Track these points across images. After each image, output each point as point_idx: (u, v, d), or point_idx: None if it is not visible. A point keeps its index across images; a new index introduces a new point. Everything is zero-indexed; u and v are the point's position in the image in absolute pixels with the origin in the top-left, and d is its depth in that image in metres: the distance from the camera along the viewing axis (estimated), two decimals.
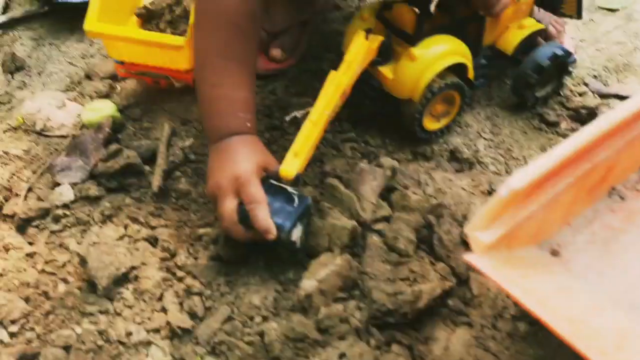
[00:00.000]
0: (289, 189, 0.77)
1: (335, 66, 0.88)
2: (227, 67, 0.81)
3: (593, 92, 1.12)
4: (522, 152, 1.02)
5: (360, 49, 0.89)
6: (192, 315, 0.75)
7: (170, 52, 0.96)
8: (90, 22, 0.95)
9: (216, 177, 0.79)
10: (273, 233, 0.73)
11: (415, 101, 0.92)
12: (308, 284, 0.71)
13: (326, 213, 0.80)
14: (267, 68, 1.13)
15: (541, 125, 1.06)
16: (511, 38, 1.03)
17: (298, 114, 0.98)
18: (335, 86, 0.85)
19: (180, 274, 0.80)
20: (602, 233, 0.66)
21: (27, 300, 0.75)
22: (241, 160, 0.78)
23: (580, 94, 1.12)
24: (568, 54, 1.04)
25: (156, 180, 0.92)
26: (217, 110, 0.82)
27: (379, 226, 0.83)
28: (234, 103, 0.82)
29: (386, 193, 0.88)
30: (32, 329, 0.72)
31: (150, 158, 0.97)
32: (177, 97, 1.09)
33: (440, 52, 0.92)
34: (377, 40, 0.90)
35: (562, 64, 1.05)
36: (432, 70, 0.91)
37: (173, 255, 0.83)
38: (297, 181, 0.78)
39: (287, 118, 1.00)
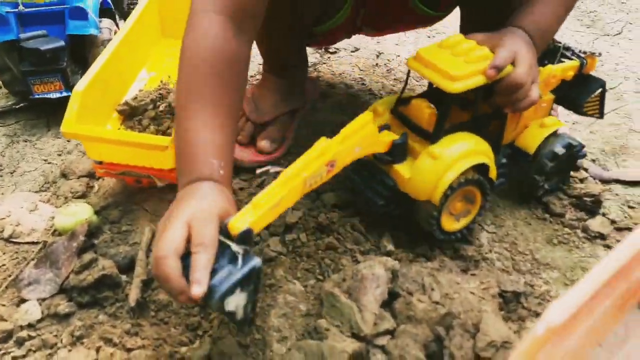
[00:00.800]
0: (234, 246, 0.61)
1: None
2: (202, 111, 0.72)
3: (594, 178, 1.08)
4: (528, 245, 0.95)
5: (362, 126, 0.80)
6: None
7: (154, 152, 0.90)
8: (68, 124, 0.90)
9: (173, 208, 0.65)
10: (199, 292, 0.56)
11: (434, 202, 0.85)
12: None
13: (322, 334, 0.72)
14: (254, 160, 1.07)
15: (545, 216, 1.01)
16: (533, 136, 0.97)
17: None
18: (320, 152, 0.75)
19: None
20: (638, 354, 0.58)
21: None
22: (206, 199, 0.65)
23: (582, 180, 1.08)
24: (581, 146, 1.00)
25: (134, 294, 0.83)
26: (188, 154, 0.71)
27: (382, 341, 0.74)
28: (207, 148, 0.70)
29: (389, 299, 0.80)
30: None
31: (128, 266, 0.88)
32: (159, 195, 1.02)
33: (463, 151, 0.85)
34: (390, 136, 0.85)
35: (574, 155, 1.01)
36: (454, 170, 0.84)
37: None
38: (247, 238, 0.62)
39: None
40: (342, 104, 1.28)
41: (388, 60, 1.48)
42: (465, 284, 0.82)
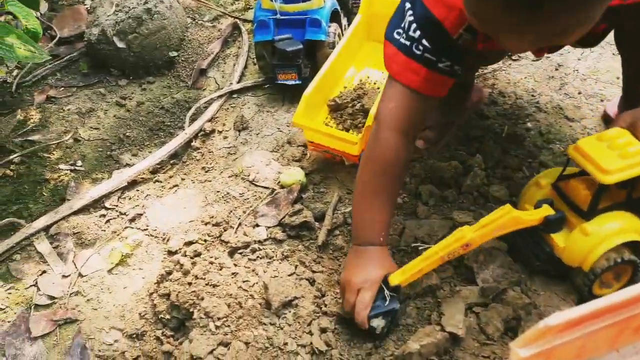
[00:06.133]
0: (387, 292, 1.04)
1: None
2: (375, 200, 1.10)
3: None
4: None
5: (500, 216, 0.99)
6: (327, 343, 1.08)
7: (347, 144, 1.31)
8: (297, 118, 1.34)
9: (350, 275, 1.08)
10: (364, 326, 1.04)
11: (585, 270, 1.00)
12: (412, 345, 0.98)
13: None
14: None
15: None
16: None
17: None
18: (456, 239, 1.00)
19: (324, 310, 1.13)
20: None
21: (228, 306, 1.15)
22: (371, 270, 1.06)
23: None
24: None
25: (321, 237, 1.27)
26: (362, 225, 1.12)
27: (478, 309, 1.07)
28: (375, 223, 1.10)
29: None
30: (228, 326, 1.11)
31: (320, 218, 1.32)
32: (348, 169, 1.43)
33: (614, 229, 0.98)
34: (545, 211, 1.02)
35: None
36: (603, 247, 0.98)
37: (323, 295, 1.17)
38: (397, 289, 1.05)
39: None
40: (507, 113, 1.51)
41: (565, 74, 1.63)
42: (553, 285, 1.08)
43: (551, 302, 1.06)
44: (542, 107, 1.53)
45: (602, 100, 1.52)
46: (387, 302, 1.03)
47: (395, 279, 1.04)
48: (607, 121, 1.44)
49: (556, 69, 1.65)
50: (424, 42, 1.00)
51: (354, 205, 1.16)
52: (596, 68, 1.63)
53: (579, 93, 1.56)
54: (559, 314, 0.74)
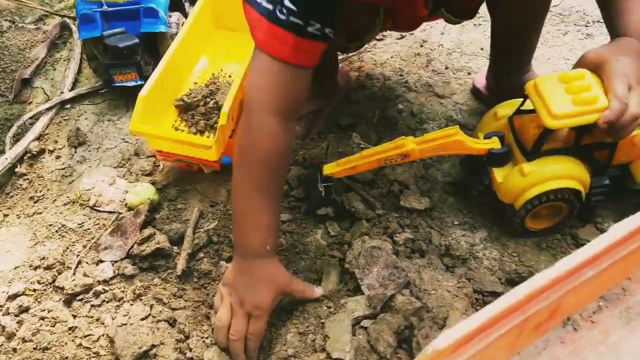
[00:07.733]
0: (320, 185, 1.06)
1: None
2: (256, 198, 0.91)
3: None
4: (518, 247, 1.07)
5: (444, 136, 0.98)
6: None
7: (202, 149, 1.10)
8: (134, 124, 1.11)
9: (238, 295, 0.91)
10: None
11: (517, 209, 0.99)
12: None
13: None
14: None
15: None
16: None
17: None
18: (396, 146, 0.99)
19: (189, 355, 0.93)
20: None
21: None
22: (261, 292, 0.91)
23: None
24: None
25: (180, 264, 1.06)
26: (244, 230, 0.93)
27: (367, 323, 0.92)
28: (258, 228, 0.92)
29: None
30: None
31: (178, 240, 1.11)
32: (209, 178, 1.23)
33: (552, 173, 0.95)
34: (492, 144, 0.99)
35: None
36: (537, 189, 0.96)
37: (187, 337, 0.96)
38: (328, 179, 1.05)
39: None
40: (376, 96, 1.40)
41: (430, 49, 1.55)
42: (444, 282, 0.97)
43: (443, 301, 0.94)
44: (412, 86, 1.43)
45: (469, 74, 1.46)
46: (323, 194, 1.05)
47: (329, 169, 1.04)
48: (477, 94, 1.38)
49: (421, 46, 1.57)
50: (287, 2, 0.83)
51: (234, 208, 0.95)
52: (460, 41, 1.57)
53: (446, 68, 1.49)
54: (447, 334, 0.60)
